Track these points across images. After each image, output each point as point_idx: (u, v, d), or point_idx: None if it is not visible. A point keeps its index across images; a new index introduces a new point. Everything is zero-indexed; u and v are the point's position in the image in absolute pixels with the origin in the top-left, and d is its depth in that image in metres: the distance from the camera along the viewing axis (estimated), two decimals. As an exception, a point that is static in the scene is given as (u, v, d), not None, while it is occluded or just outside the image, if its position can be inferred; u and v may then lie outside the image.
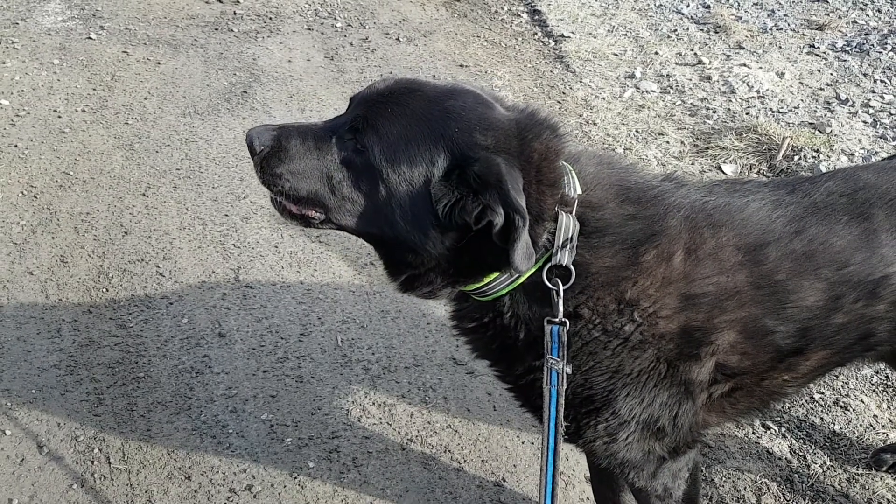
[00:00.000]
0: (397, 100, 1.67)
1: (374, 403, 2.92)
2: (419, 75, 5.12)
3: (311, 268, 3.53)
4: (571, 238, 1.66)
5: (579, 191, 1.70)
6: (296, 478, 2.64)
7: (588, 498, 2.62)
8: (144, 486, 2.60)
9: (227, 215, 3.84)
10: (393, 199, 1.65)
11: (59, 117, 4.58)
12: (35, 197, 3.93)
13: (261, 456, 2.71)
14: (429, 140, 1.64)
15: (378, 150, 1.64)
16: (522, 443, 2.80)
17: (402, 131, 1.64)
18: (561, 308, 1.68)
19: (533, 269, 1.68)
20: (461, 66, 5.27)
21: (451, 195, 1.61)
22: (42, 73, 5.02)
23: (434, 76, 5.10)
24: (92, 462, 2.68)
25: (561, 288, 1.67)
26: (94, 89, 4.88)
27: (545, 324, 1.70)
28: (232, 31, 5.67)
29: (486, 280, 1.72)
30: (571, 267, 1.67)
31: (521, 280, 1.71)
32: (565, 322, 1.68)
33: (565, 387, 1.71)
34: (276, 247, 3.64)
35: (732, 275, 1.77)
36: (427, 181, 1.63)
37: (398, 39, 5.61)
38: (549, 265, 1.68)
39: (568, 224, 1.66)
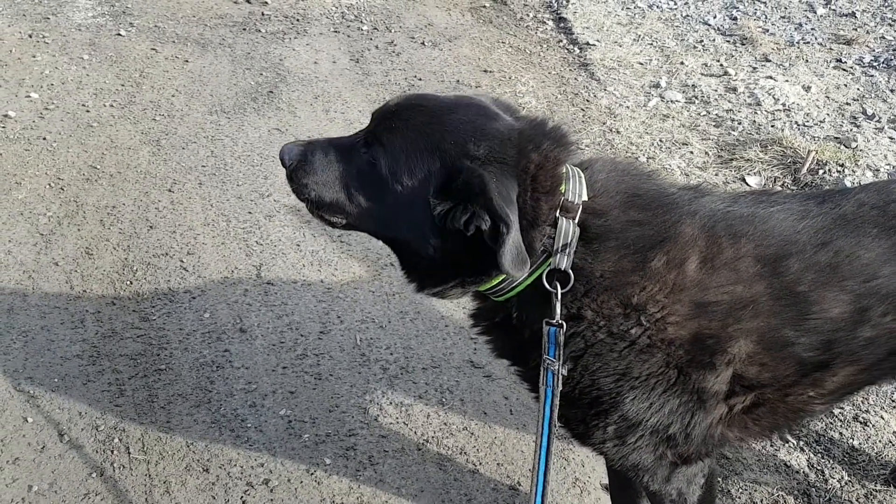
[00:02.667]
0: (402, 115, 1.81)
1: (391, 403, 2.94)
2: (444, 80, 5.14)
3: (331, 267, 3.56)
4: (570, 243, 1.72)
5: (584, 197, 1.75)
6: (312, 474, 2.66)
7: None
8: (163, 477, 2.63)
9: (250, 213, 3.88)
10: (398, 206, 1.78)
11: (88, 112, 4.65)
12: (62, 189, 3.98)
13: (278, 451, 2.73)
14: (426, 152, 1.75)
15: (384, 163, 1.77)
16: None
17: (403, 145, 1.77)
18: (558, 310, 1.74)
19: (536, 273, 1.74)
20: (485, 71, 5.29)
21: (445, 204, 1.71)
22: (71, 67, 5.10)
23: (458, 81, 5.13)
24: (112, 452, 2.71)
25: (559, 291, 1.73)
26: (123, 85, 4.95)
27: (543, 325, 1.76)
28: (259, 31, 5.73)
29: (496, 281, 1.79)
30: (570, 271, 1.73)
31: (528, 282, 1.77)
32: (562, 324, 1.74)
33: (560, 387, 1.77)
34: (298, 245, 3.67)
35: (749, 285, 1.78)
36: (426, 191, 1.73)
37: (423, 44, 5.64)
38: (549, 268, 1.74)
39: (567, 229, 1.72)
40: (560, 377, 1.77)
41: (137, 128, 4.53)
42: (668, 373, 1.80)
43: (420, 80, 5.14)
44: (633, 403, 1.83)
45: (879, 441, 2.82)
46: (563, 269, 1.73)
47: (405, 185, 1.75)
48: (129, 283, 3.43)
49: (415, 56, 5.44)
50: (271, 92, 4.93)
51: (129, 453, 2.71)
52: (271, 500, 2.57)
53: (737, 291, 1.76)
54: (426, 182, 1.74)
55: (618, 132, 4.62)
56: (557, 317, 1.74)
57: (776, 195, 1.96)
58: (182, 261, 3.56)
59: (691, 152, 4.40)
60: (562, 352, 1.76)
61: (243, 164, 4.24)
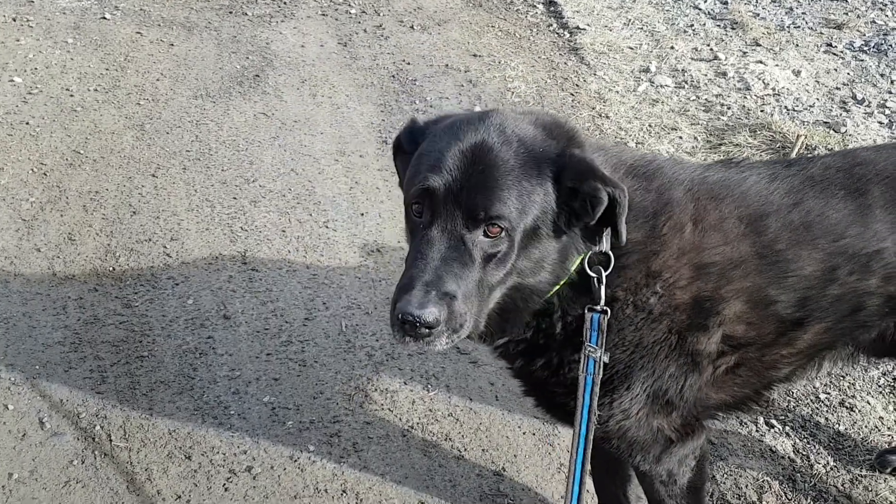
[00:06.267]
0: (483, 168, 1.64)
1: (376, 389, 2.92)
2: (432, 64, 5.09)
3: (317, 253, 3.53)
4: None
5: None
6: (296, 461, 2.64)
7: (588, 491, 2.60)
8: (145, 465, 2.61)
9: (235, 198, 3.84)
10: (544, 252, 1.70)
11: (72, 96, 4.59)
12: (45, 174, 3.93)
13: (262, 438, 2.71)
14: (529, 180, 1.65)
15: (509, 223, 1.63)
16: (524, 433, 2.79)
17: (512, 191, 1.63)
18: (603, 294, 1.72)
19: (577, 261, 1.74)
20: (475, 55, 5.25)
21: (565, 209, 1.68)
22: (56, 51, 5.03)
23: (447, 65, 5.08)
24: (93, 439, 2.68)
25: (603, 275, 1.72)
26: (107, 69, 4.88)
27: (586, 312, 1.74)
28: (246, 14, 5.66)
29: (564, 279, 1.77)
30: (610, 252, 1.73)
31: (571, 275, 1.75)
32: (606, 310, 1.73)
33: (601, 375, 1.76)
34: (284, 231, 3.64)
35: (737, 245, 1.82)
36: (547, 215, 1.67)
37: (412, 27, 5.58)
38: (589, 254, 1.74)
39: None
40: (602, 365, 1.74)
41: (121, 112, 4.47)
42: (671, 338, 1.82)
43: (409, 64, 5.09)
44: (639, 374, 1.84)
45: (865, 426, 2.82)
46: (604, 250, 1.73)
47: (536, 226, 1.65)
48: (111, 269, 3.39)
49: (403, 40, 5.39)
50: (257, 76, 4.88)
51: (111, 441, 2.68)
52: (254, 486, 2.55)
53: (727, 252, 1.81)
54: (546, 207, 1.66)
55: (607, 117, 4.59)
56: (602, 302, 1.72)
57: (742, 162, 2.00)
58: (165, 246, 3.52)
59: (680, 137, 4.38)
60: (604, 338, 1.74)
61: (228, 148, 4.19)
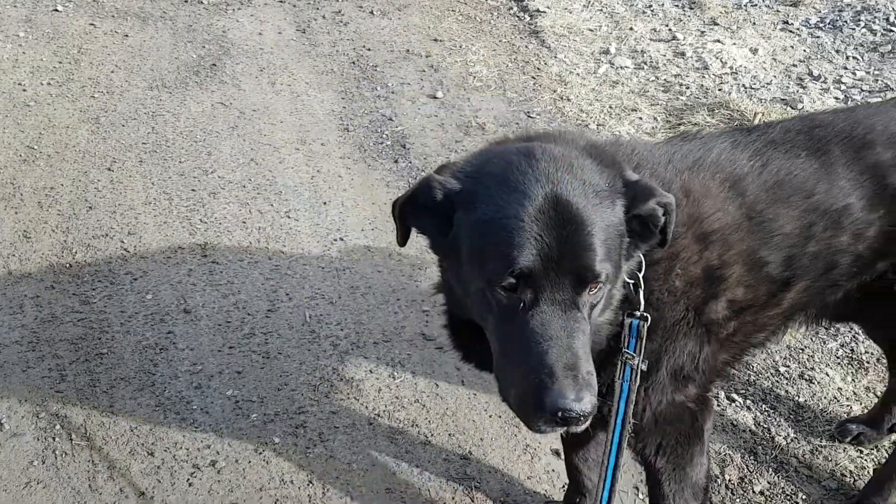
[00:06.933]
0: (574, 226, 1.52)
1: (341, 379, 2.90)
2: (393, 50, 5.05)
3: (279, 243, 3.49)
4: None
5: None
6: (261, 453, 2.62)
7: (553, 470, 2.63)
8: (107, 463, 2.57)
9: (193, 190, 3.78)
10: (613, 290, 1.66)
11: (24, 91, 4.48)
12: (-3, 171, 3.84)
13: (225, 432, 2.68)
14: (611, 221, 1.57)
15: (610, 273, 1.56)
16: (490, 416, 2.80)
17: (604, 240, 1.54)
18: (642, 300, 1.69)
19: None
20: (435, 40, 5.21)
21: (632, 235, 1.63)
22: (6, 45, 4.90)
23: (408, 51, 5.04)
24: (53, 439, 2.64)
25: (640, 280, 1.69)
26: (60, 62, 4.77)
27: (625, 318, 1.70)
28: (202, 2, 5.56)
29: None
30: (642, 256, 1.69)
31: None
32: (646, 316, 1.69)
33: (637, 383, 1.69)
34: (244, 222, 3.60)
35: (728, 209, 1.84)
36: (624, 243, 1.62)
37: (372, 13, 5.53)
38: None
39: None
40: (639, 373, 1.68)
41: (76, 106, 4.38)
42: (688, 316, 1.82)
43: (369, 49, 5.05)
44: (665, 357, 1.83)
45: (825, 397, 2.88)
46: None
47: (619, 263, 1.59)
48: (68, 265, 3.33)
49: (363, 25, 5.33)
50: (214, 65, 4.80)
51: (72, 440, 2.64)
52: (218, 481, 2.53)
53: (723, 218, 1.82)
54: (622, 241, 1.59)
55: (568, 100, 4.60)
56: (642, 307, 1.68)
57: (699, 133, 2.02)
58: (123, 241, 3.46)
59: (640, 118, 4.40)
60: (643, 345, 1.68)
61: (186, 139, 4.13)
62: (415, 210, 1.66)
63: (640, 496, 2.53)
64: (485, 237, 1.55)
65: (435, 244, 1.72)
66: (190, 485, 2.52)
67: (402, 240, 1.73)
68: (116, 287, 3.23)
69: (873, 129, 1.98)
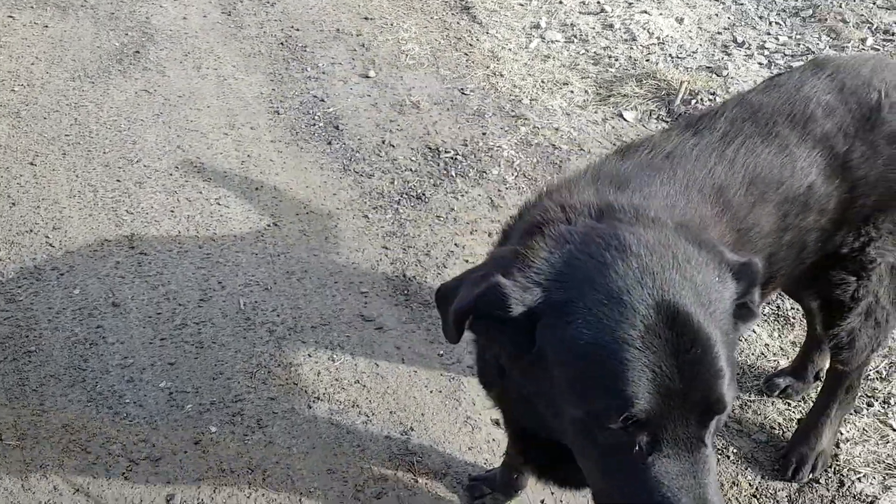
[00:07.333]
0: (697, 349, 1.28)
1: (279, 365, 2.88)
2: (322, 29, 4.98)
3: (210, 231, 3.43)
4: None
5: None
6: (198, 443, 2.60)
7: (494, 439, 2.66)
8: (40, 462, 2.51)
9: (119, 181, 3.68)
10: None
11: (-65, 85, 4.29)
12: None
13: (160, 424, 2.64)
14: (729, 326, 1.38)
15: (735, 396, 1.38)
16: (430, 392, 2.82)
17: (728, 357, 1.32)
18: None
19: None
20: (366, 18, 5.15)
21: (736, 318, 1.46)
22: (-86, 38, 4.68)
23: (338, 30, 4.98)
24: (-19, 442, 2.57)
25: None
26: (-26, 54, 4.58)
27: None
28: (123, -12, 5.38)
29: None
30: None
31: None
32: None
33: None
34: (172, 211, 3.52)
35: (725, 233, 1.73)
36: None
37: (300, -6, 5.43)
38: None
39: None
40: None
41: (-8, 99, 4.21)
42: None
43: (298, 30, 4.97)
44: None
45: (752, 353, 2.97)
46: None
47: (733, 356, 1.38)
48: (-10, 264, 3.22)
49: (290, 5, 5.24)
50: (138, 52, 4.67)
51: (3, 440, 2.57)
52: (156, 473, 2.50)
53: (716, 231, 1.73)
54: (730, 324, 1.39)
55: (501, 75, 4.61)
56: None
57: (644, 143, 1.91)
58: (48, 236, 3.36)
59: (572, 91, 4.44)
60: None
61: (110, 130, 4.01)
62: (478, 319, 1.38)
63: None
64: (585, 364, 1.29)
65: (504, 354, 1.45)
66: (126, 479, 2.48)
67: (455, 339, 1.43)
68: (43, 283, 3.14)
69: (809, 100, 1.98)
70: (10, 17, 5.00)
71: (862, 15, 4.97)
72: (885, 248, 2.12)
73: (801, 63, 4.56)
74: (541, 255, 1.37)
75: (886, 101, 2.00)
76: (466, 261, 3.34)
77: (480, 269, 1.45)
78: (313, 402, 2.77)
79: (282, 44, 4.82)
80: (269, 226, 3.49)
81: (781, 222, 1.87)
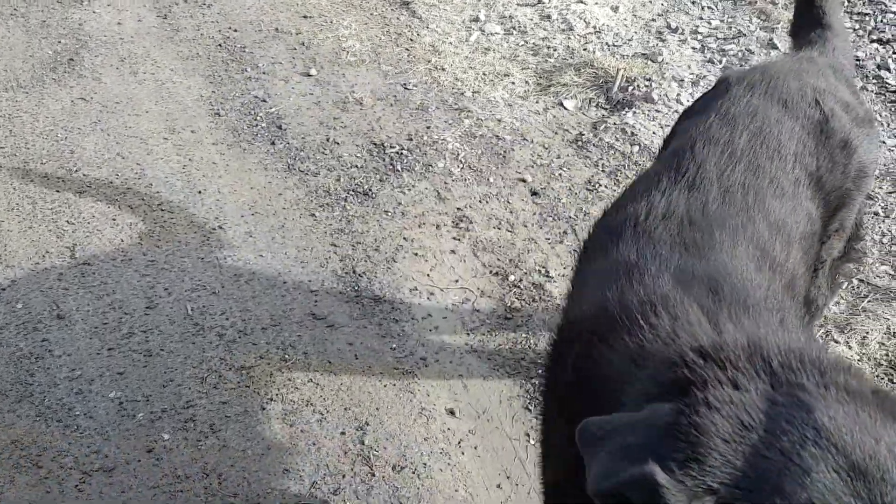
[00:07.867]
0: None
1: (230, 368, 2.88)
2: (261, 29, 4.95)
3: (153, 238, 3.40)
4: None
5: None
6: (151, 451, 2.58)
7: (449, 429, 2.71)
8: (-12, 482, 2.48)
9: (58, 191, 3.62)
10: None
11: None
12: None
13: (112, 435, 2.62)
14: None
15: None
16: (384, 386, 2.85)
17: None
18: None
19: None
20: (305, 17, 5.13)
21: None
22: None
23: (277, 29, 4.95)
24: (-74, 464, 2.52)
25: None
26: None
27: None
28: (53, -6, 5.26)
29: None
30: None
31: None
32: None
33: None
34: (114, 219, 3.48)
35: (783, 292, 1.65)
36: None
37: (236, -6, 5.37)
38: None
39: None
40: None
41: (-80, 113, 4.09)
42: None
43: (236, 31, 4.92)
44: None
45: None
46: None
47: None
48: (-74, 283, 3.14)
49: (228, 6, 5.19)
50: (72, 59, 4.58)
51: (-52, 463, 2.53)
52: (110, 484, 2.48)
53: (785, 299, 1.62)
54: None
55: (443, 69, 4.64)
56: None
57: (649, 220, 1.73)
58: (-14, 252, 3.30)
59: (513, 83, 4.49)
60: None
61: (46, 140, 3.94)
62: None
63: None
64: None
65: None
66: (80, 491, 2.46)
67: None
68: (-18, 300, 3.08)
69: (770, 127, 1.93)
70: (-64, 27, 4.85)
71: (789, -3, 5.12)
72: (832, 247, 2.22)
73: (734, 46, 4.69)
74: (714, 444, 1.04)
75: (828, 111, 2.02)
76: (416, 254, 3.38)
77: (634, 427, 1.12)
78: (266, 403, 2.78)
79: (220, 45, 4.78)
80: (214, 229, 3.47)
81: (806, 255, 1.84)
